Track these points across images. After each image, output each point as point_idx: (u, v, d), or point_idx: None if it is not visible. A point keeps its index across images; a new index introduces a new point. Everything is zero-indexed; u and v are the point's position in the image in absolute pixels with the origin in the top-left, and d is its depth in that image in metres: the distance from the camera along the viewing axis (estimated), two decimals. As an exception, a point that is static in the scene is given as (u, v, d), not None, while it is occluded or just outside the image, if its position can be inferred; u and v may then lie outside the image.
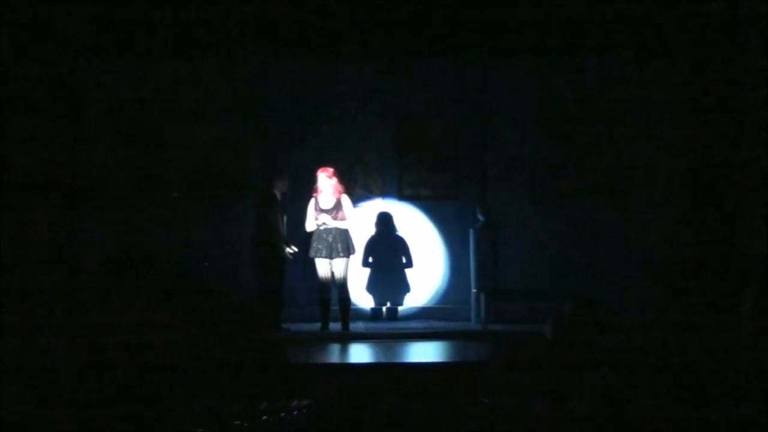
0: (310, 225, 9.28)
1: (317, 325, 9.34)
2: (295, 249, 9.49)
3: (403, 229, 10.49)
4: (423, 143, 10.86)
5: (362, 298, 10.37)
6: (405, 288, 10.38)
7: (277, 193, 9.46)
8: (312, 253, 9.24)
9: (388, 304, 10.41)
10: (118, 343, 8.18)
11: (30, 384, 6.42)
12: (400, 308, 10.43)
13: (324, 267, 9.22)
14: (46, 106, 10.00)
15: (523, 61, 10.63)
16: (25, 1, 9.53)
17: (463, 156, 10.80)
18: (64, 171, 10.12)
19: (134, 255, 10.08)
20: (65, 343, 8.03)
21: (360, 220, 9.76)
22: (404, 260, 10.31)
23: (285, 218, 9.49)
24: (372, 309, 10.42)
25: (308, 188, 9.88)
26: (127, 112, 10.41)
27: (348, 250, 9.25)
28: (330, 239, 9.17)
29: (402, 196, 10.80)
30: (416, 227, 10.63)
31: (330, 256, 9.17)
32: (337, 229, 9.18)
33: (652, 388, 6.28)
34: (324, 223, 9.16)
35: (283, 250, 9.39)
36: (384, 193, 10.79)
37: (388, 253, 10.33)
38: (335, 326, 9.30)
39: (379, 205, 10.65)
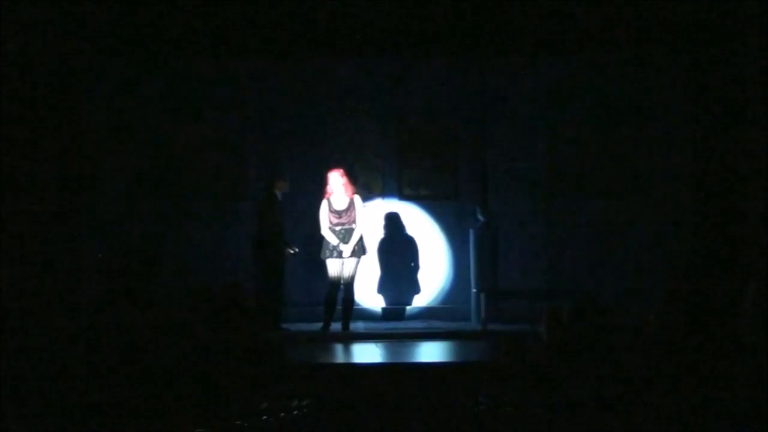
0: (324, 227, 9.27)
1: (317, 325, 9.34)
2: (296, 249, 9.50)
3: (408, 229, 10.53)
4: (423, 143, 10.85)
5: (368, 299, 10.37)
6: (415, 288, 10.41)
7: (278, 194, 9.46)
8: (326, 254, 9.24)
9: (397, 305, 10.43)
10: (118, 343, 8.18)
11: (29, 384, 6.42)
12: (401, 307, 10.44)
13: (335, 267, 9.23)
14: (46, 106, 10.00)
15: (523, 61, 10.62)
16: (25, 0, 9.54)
17: (463, 156, 10.80)
18: (64, 171, 10.13)
19: (134, 255, 10.08)
20: (64, 344, 8.03)
21: (369, 221, 9.78)
22: (413, 260, 10.35)
23: (285, 219, 9.49)
24: (383, 309, 10.42)
25: (308, 188, 9.91)
26: (127, 112, 10.41)
27: (362, 251, 9.26)
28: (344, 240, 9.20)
29: (402, 196, 10.79)
30: (416, 227, 10.63)
31: (341, 256, 9.18)
32: (351, 229, 9.20)
33: (652, 388, 6.28)
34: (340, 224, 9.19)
35: (284, 250, 9.39)
36: (384, 193, 10.79)
37: (398, 254, 10.37)
38: (335, 326, 9.30)
39: (379, 205, 10.66)
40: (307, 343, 8.90)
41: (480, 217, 10.19)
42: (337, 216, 9.27)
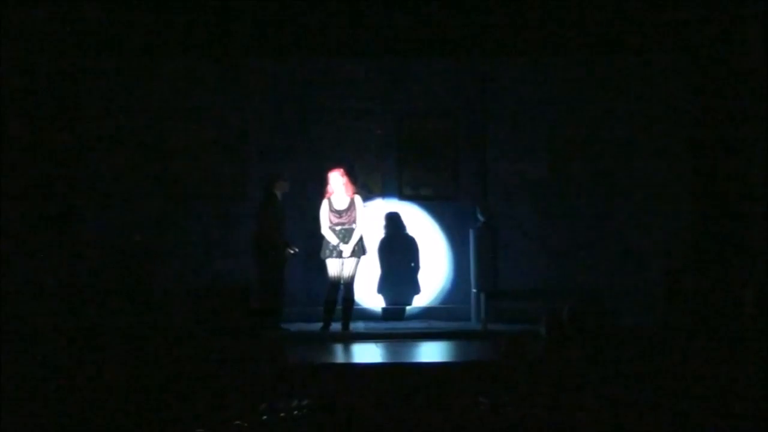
0: (324, 227, 9.27)
1: (317, 325, 9.34)
2: (296, 249, 9.50)
3: (407, 229, 10.54)
4: (423, 143, 10.86)
5: (368, 299, 10.37)
6: (415, 288, 10.42)
7: (278, 194, 9.47)
8: (326, 254, 9.23)
9: (397, 305, 10.43)
10: (118, 342, 8.19)
11: (29, 384, 6.42)
12: (401, 307, 10.45)
13: (335, 267, 9.23)
14: (47, 106, 10.01)
15: (523, 61, 10.63)
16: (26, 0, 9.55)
17: (463, 156, 10.80)
18: (65, 171, 10.13)
19: (134, 255, 10.08)
20: (65, 344, 8.04)
21: (369, 221, 9.81)
22: (413, 260, 10.37)
23: (285, 219, 9.49)
24: (383, 309, 10.42)
25: (308, 188, 9.91)
26: (127, 112, 10.41)
27: (362, 251, 9.27)
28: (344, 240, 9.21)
29: (402, 196, 10.80)
30: (416, 227, 10.63)
31: (341, 256, 9.19)
32: (351, 229, 9.21)
33: (652, 387, 6.28)
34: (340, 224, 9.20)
35: (284, 250, 9.39)
36: (384, 193, 10.79)
37: (398, 253, 10.38)
38: (335, 326, 9.30)
39: (379, 205, 10.66)
40: (307, 343, 8.90)
41: (480, 217, 10.19)
42: (338, 216, 9.28)
